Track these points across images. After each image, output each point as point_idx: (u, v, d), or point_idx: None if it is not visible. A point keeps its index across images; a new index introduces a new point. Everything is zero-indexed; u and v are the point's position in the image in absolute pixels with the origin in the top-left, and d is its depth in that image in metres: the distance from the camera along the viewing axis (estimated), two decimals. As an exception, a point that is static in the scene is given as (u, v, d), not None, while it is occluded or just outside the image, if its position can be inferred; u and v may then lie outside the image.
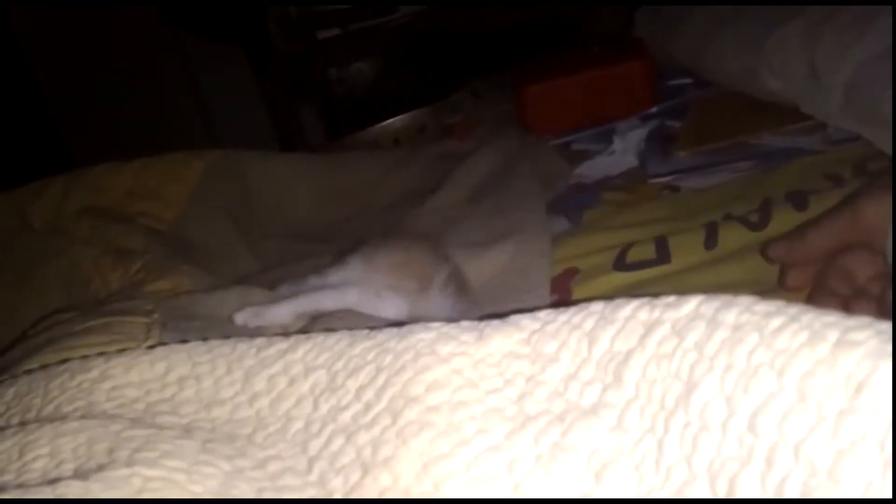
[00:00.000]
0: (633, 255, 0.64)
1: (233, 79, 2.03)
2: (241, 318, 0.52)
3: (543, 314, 0.30)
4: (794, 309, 0.25)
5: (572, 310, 0.31)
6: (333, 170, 1.12)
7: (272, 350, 0.32)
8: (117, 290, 0.72)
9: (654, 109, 1.08)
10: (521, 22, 2.06)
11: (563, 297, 0.63)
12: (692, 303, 0.28)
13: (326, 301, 0.55)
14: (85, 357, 0.34)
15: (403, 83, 2.03)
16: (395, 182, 1.13)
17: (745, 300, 0.27)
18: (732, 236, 0.63)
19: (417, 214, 0.92)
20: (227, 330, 0.52)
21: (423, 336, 0.30)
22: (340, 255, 0.66)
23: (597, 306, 0.30)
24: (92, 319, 0.50)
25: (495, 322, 0.31)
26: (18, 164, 1.81)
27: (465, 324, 0.31)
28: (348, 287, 0.56)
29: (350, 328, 0.51)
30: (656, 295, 0.57)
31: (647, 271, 0.61)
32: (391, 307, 0.55)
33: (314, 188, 1.08)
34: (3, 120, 1.84)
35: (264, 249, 0.98)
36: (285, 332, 0.52)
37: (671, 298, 0.29)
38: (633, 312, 0.29)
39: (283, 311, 0.54)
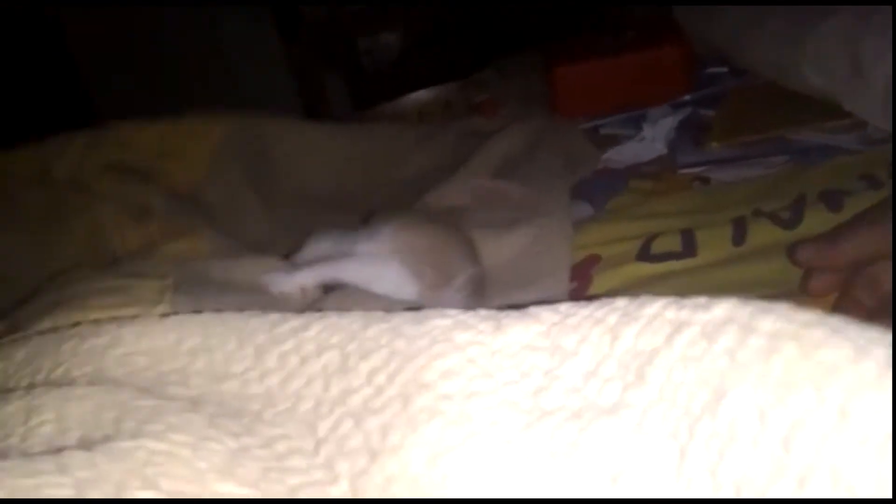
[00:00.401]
0: (657, 246, 0.62)
1: (259, 42, 2.01)
2: (268, 284, 0.52)
3: (564, 307, 0.29)
4: (836, 321, 0.23)
5: (595, 304, 0.29)
6: (356, 139, 1.11)
7: (285, 327, 0.31)
8: (136, 248, 0.71)
9: (687, 97, 1.05)
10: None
11: (582, 284, 0.61)
12: (724, 305, 0.27)
13: (348, 271, 0.55)
14: (97, 320, 0.34)
15: (430, 57, 2.00)
16: (419, 156, 1.11)
17: (781, 307, 0.25)
18: (762, 233, 0.61)
19: (440, 189, 0.90)
20: (240, 296, 0.52)
21: (439, 322, 0.29)
22: (370, 220, 0.65)
23: (621, 301, 0.29)
24: (106, 280, 0.50)
25: (514, 313, 0.29)
26: (42, 118, 1.82)
27: (482, 312, 0.30)
28: (372, 259, 0.55)
29: (365, 308, 0.50)
30: (680, 289, 0.56)
31: (672, 264, 0.60)
32: (410, 290, 0.54)
33: (336, 157, 1.07)
34: (29, 73, 1.84)
35: (283, 216, 0.98)
36: (300, 309, 0.52)
37: (702, 299, 0.27)
38: (660, 311, 0.28)
39: (307, 277, 0.53)
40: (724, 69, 1.12)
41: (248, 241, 0.92)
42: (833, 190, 0.65)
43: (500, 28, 1.87)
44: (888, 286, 0.45)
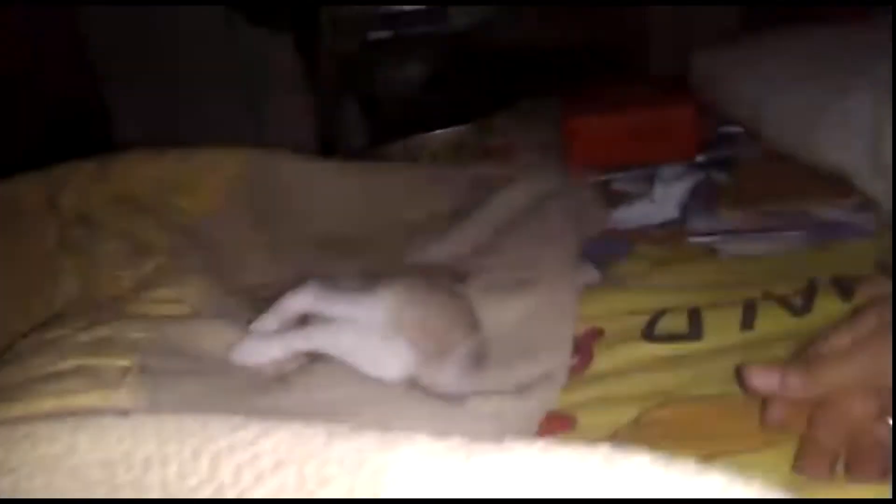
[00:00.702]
0: (663, 325, 0.61)
1: (280, 69, 2.03)
2: (236, 357, 0.50)
3: (542, 443, 0.28)
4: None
5: (576, 448, 0.28)
6: (367, 180, 1.10)
7: (244, 434, 0.30)
8: (126, 291, 0.71)
9: (701, 158, 1.05)
10: (568, 45, 2.04)
11: (583, 360, 0.60)
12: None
13: (322, 341, 0.53)
14: (49, 420, 0.32)
15: (447, 96, 2.01)
16: (427, 200, 1.11)
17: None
18: (771, 319, 0.59)
19: (441, 244, 0.89)
20: (206, 379, 0.50)
21: (406, 451, 0.28)
22: (372, 279, 0.62)
23: (604, 449, 0.27)
24: (69, 353, 0.49)
25: (487, 446, 0.28)
26: (61, 141, 1.84)
27: (454, 442, 0.28)
28: (363, 328, 0.53)
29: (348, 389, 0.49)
30: (685, 376, 0.54)
31: (677, 345, 0.58)
32: (396, 362, 0.52)
33: (346, 198, 1.07)
34: (53, 94, 1.86)
35: (290, 257, 0.97)
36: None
37: (691, 465, 0.26)
38: (646, 466, 0.26)
39: (277, 350, 0.51)
40: (740, 129, 1.12)
41: (251, 282, 0.92)
42: (846, 276, 0.63)
43: (517, 71, 1.88)
44: (860, 415, 0.42)
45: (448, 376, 0.54)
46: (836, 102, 0.80)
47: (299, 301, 0.58)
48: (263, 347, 0.51)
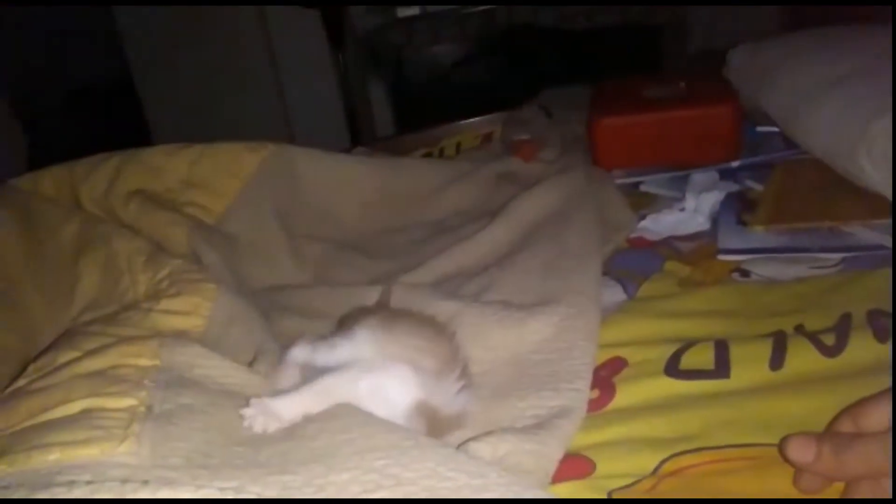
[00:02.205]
0: (688, 360, 0.59)
1: (309, 47, 2.00)
2: (250, 423, 0.49)
3: None
4: None
5: None
6: (388, 176, 1.08)
7: None
8: (143, 295, 0.70)
9: (735, 164, 1.01)
10: (605, 26, 1.98)
11: (605, 394, 0.58)
12: None
13: (337, 390, 0.52)
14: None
15: (477, 76, 1.97)
16: (451, 197, 1.09)
17: None
18: (801, 359, 0.57)
19: (464, 250, 0.88)
20: (216, 411, 0.49)
21: None
22: (345, 326, 0.62)
23: None
24: (86, 372, 0.49)
25: None
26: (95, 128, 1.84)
27: None
28: (358, 370, 0.53)
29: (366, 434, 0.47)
30: (709, 420, 0.52)
31: (702, 384, 0.56)
32: (403, 389, 0.52)
33: (366, 194, 1.05)
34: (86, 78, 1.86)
35: (307, 253, 0.96)
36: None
37: None
38: None
39: (293, 409, 0.50)
40: (776, 129, 1.07)
41: (270, 278, 0.91)
42: (883, 311, 0.60)
43: (553, 54, 1.84)
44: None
45: (451, 394, 0.54)
46: (879, 118, 0.76)
47: (299, 355, 0.58)
48: (277, 413, 0.50)
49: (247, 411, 0.49)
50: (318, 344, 0.58)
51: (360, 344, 0.56)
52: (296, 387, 0.53)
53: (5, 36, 1.73)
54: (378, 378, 0.52)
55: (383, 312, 0.64)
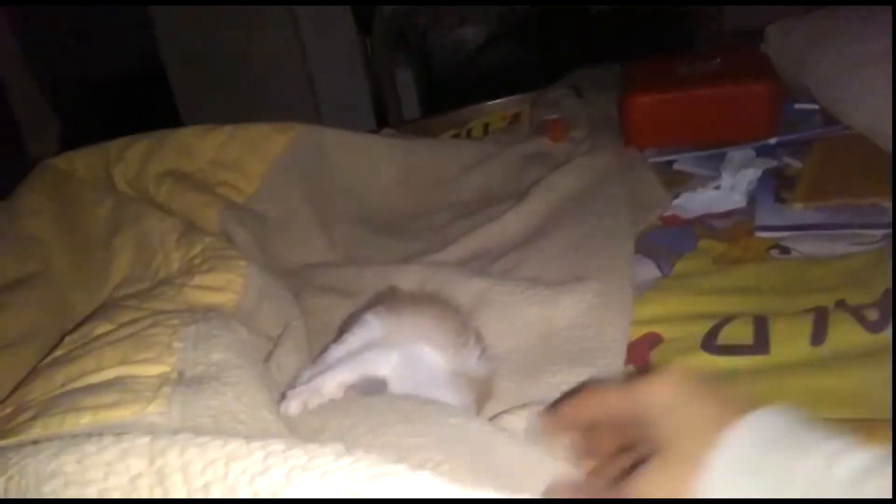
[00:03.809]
0: (726, 336, 0.57)
1: (336, 32, 2.00)
2: (288, 407, 0.49)
3: None
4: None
5: None
6: (417, 157, 1.08)
7: (264, 482, 0.30)
8: (175, 272, 0.71)
9: (773, 141, 0.98)
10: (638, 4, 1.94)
11: (640, 369, 0.57)
12: None
13: (370, 364, 0.51)
14: (82, 458, 0.32)
15: (503, 60, 1.95)
16: (479, 178, 1.08)
17: None
18: (844, 334, 0.55)
19: (492, 230, 0.87)
20: (246, 371, 0.49)
21: None
22: (354, 318, 0.62)
23: None
24: (120, 341, 0.50)
25: None
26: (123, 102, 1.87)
27: None
28: (386, 348, 0.53)
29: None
30: (749, 393, 0.51)
31: (740, 359, 0.55)
32: (429, 363, 0.52)
33: (394, 174, 1.05)
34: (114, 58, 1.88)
35: (336, 233, 0.96)
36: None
37: None
38: None
39: (330, 384, 0.50)
40: (815, 106, 1.04)
41: (300, 257, 0.92)
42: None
43: (583, 34, 1.81)
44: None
45: (471, 357, 0.54)
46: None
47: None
48: (318, 387, 0.50)
49: (290, 392, 0.49)
50: (329, 349, 0.57)
51: (374, 329, 0.56)
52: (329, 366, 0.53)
53: (37, 26, 1.76)
54: (410, 349, 0.51)
55: (389, 298, 0.64)
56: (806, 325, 0.56)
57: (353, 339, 0.55)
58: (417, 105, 2.08)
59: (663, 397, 0.35)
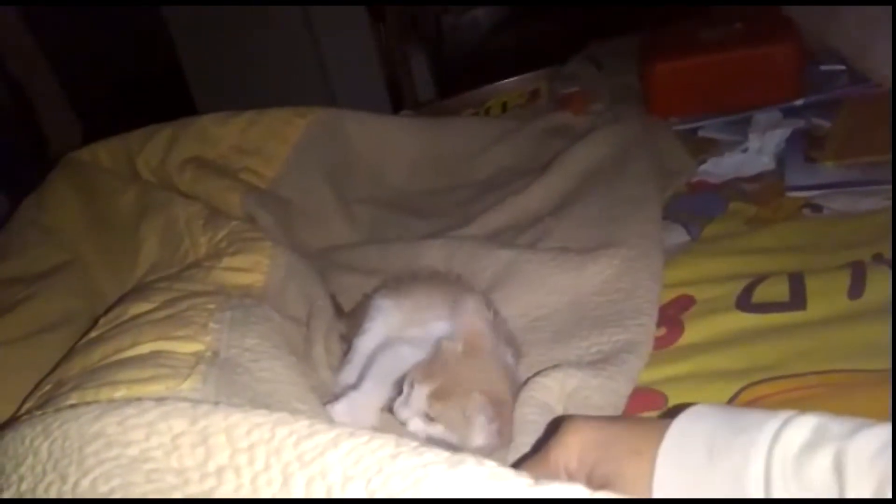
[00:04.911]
0: (761, 294, 0.56)
1: (348, 19, 1.99)
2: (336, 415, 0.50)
3: None
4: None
5: None
6: (436, 136, 1.07)
7: (312, 444, 0.29)
8: (203, 256, 0.71)
9: (799, 102, 0.96)
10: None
11: (672, 331, 0.56)
12: None
13: (392, 367, 0.52)
14: (120, 418, 0.32)
15: (518, 38, 1.93)
16: (499, 154, 1.07)
17: None
18: (883, 286, 0.54)
19: (517, 203, 0.86)
20: (279, 353, 0.50)
21: (473, 470, 0.26)
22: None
23: None
24: (155, 321, 0.50)
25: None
26: (139, 94, 1.88)
27: (521, 482, 0.26)
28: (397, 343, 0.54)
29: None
30: (785, 351, 0.50)
31: (777, 316, 0.54)
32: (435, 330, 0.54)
33: (414, 154, 1.04)
34: (130, 51, 1.89)
35: (359, 214, 0.96)
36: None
37: None
38: None
39: (373, 400, 0.51)
40: (841, 67, 1.02)
41: (323, 240, 0.92)
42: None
43: (596, 8, 1.78)
44: None
45: (478, 310, 0.54)
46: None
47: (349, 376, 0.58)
48: (363, 402, 0.52)
49: (336, 409, 0.49)
50: (355, 345, 0.59)
51: (390, 314, 0.59)
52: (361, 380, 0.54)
53: (58, 29, 1.78)
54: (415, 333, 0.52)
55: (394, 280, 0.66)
56: (843, 280, 0.55)
57: (375, 328, 0.58)
58: (432, 90, 2.06)
59: (579, 455, 0.34)
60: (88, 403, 0.36)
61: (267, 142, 0.94)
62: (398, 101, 1.92)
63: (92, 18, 1.88)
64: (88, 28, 1.88)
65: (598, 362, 0.51)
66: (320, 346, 0.63)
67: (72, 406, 0.36)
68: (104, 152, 0.92)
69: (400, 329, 0.58)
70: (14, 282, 0.70)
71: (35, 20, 1.72)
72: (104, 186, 0.86)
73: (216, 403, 0.33)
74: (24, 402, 0.48)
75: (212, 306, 0.54)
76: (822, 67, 1.06)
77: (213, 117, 0.95)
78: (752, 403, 0.46)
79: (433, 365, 0.48)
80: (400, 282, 0.64)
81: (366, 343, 0.59)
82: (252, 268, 0.67)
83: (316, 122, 0.95)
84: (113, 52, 1.96)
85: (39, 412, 0.37)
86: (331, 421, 0.48)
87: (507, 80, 1.38)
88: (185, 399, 0.42)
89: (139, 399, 0.33)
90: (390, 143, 1.02)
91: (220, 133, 0.94)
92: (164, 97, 1.95)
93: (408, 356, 0.53)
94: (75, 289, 0.73)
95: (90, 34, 1.89)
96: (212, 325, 0.50)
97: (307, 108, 0.97)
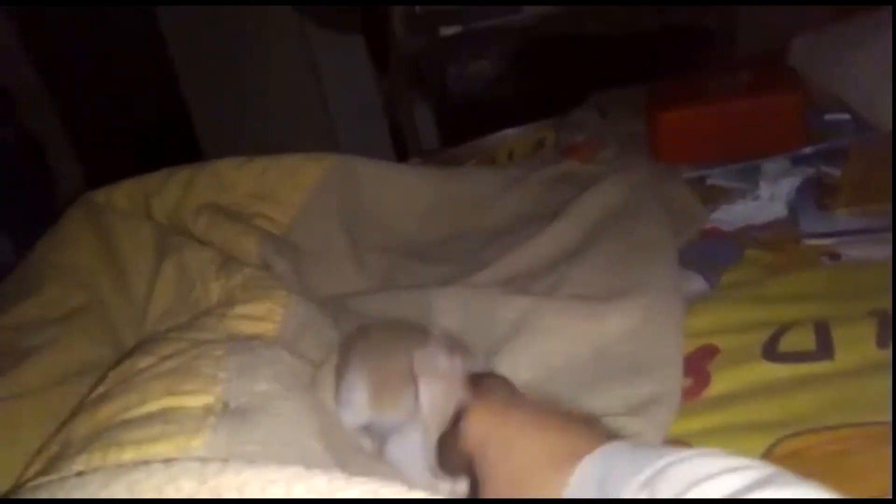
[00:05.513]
0: (787, 343, 0.56)
1: (353, 71, 2.03)
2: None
3: None
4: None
5: None
6: (447, 184, 1.08)
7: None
8: (215, 302, 0.71)
9: (807, 150, 0.97)
10: (651, 30, 1.94)
11: (699, 381, 0.55)
12: None
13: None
14: (131, 486, 0.30)
15: (523, 89, 1.96)
16: (509, 203, 1.07)
17: None
18: (912, 335, 0.53)
19: (529, 250, 0.86)
20: (291, 398, 0.49)
21: None
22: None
23: None
24: (161, 374, 0.49)
25: None
26: (148, 142, 1.90)
27: None
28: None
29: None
30: (816, 402, 0.49)
31: (805, 366, 0.53)
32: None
33: (426, 203, 1.05)
34: (138, 102, 1.92)
35: (371, 261, 0.96)
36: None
37: None
38: None
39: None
40: (846, 116, 1.03)
41: (336, 288, 0.91)
42: None
43: (599, 61, 1.81)
44: None
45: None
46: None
47: None
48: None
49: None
50: None
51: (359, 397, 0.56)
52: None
53: (62, 72, 1.81)
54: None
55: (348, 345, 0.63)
56: (870, 328, 0.55)
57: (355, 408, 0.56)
58: (435, 140, 2.09)
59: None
60: (95, 471, 0.34)
61: (282, 188, 0.94)
62: (401, 148, 1.94)
63: (99, 61, 1.91)
64: (95, 71, 1.91)
65: (625, 416, 0.51)
66: (328, 393, 0.61)
67: (78, 474, 0.35)
68: (119, 194, 0.92)
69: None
70: (32, 325, 0.69)
71: (42, 63, 1.75)
72: (119, 229, 0.86)
73: (225, 461, 0.32)
74: (31, 461, 0.47)
75: (219, 353, 0.53)
76: (828, 117, 1.08)
77: (228, 162, 0.96)
78: (791, 457, 0.45)
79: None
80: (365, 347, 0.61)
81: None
82: (264, 316, 0.66)
83: (331, 168, 0.96)
84: (121, 96, 1.98)
85: (45, 479, 0.36)
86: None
87: (512, 129, 1.40)
88: (194, 458, 0.41)
89: (146, 462, 0.32)
90: (403, 191, 1.02)
91: (235, 178, 0.94)
92: (171, 143, 1.97)
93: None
94: (96, 336, 0.72)
95: (97, 78, 1.92)
96: (220, 374, 0.49)
97: (322, 154, 0.98)
